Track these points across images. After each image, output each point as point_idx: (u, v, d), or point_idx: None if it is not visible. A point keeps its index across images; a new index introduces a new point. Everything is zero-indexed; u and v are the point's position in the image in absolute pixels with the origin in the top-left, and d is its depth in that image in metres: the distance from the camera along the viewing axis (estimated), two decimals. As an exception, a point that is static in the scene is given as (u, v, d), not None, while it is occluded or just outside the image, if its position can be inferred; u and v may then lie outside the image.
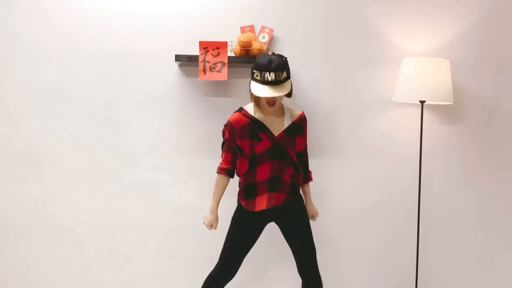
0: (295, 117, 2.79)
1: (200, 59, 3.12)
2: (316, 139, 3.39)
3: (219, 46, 3.12)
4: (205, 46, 3.12)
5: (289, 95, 2.78)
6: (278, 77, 2.61)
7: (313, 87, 3.39)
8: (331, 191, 3.42)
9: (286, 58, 2.70)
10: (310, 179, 2.93)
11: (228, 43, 3.23)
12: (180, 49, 3.29)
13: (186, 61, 3.19)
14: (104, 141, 3.34)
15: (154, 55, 3.32)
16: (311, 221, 2.91)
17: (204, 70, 3.12)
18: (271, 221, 2.85)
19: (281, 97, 2.70)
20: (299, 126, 2.79)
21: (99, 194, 3.35)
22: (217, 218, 2.82)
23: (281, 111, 2.79)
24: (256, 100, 2.74)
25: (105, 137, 3.34)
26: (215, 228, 2.83)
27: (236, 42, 3.24)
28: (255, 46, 3.19)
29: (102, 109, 3.33)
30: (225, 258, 2.78)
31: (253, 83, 2.66)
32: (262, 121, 2.72)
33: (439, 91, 3.14)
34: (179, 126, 3.36)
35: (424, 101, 3.22)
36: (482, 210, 3.48)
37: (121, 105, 3.34)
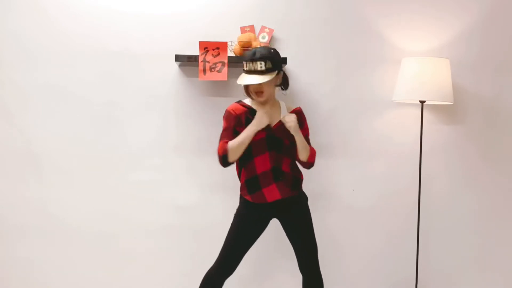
0: (291, 110, 2.83)
1: (200, 59, 3.12)
2: (316, 139, 3.38)
3: (219, 46, 3.12)
4: (205, 46, 3.12)
5: (284, 87, 2.82)
6: (261, 66, 2.64)
7: (313, 87, 3.39)
8: (331, 191, 3.42)
9: (274, 50, 2.72)
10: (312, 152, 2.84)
11: (228, 43, 3.23)
12: (180, 49, 3.29)
13: (186, 61, 3.19)
14: (104, 141, 3.34)
15: (154, 55, 3.32)
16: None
17: (204, 70, 3.12)
18: (275, 216, 2.85)
19: (269, 88, 2.70)
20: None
21: (100, 194, 3.35)
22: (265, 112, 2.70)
23: (277, 105, 2.82)
24: (247, 94, 2.76)
25: (105, 137, 3.34)
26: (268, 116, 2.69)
27: (236, 42, 3.24)
28: (255, 46, 3.19)
29: (102, 109, 3.33)
30: (226, 255, 2.79)
31: (240, 76, 2.71)
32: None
33: (439, 91, 3.14)
34: (179, 126, 3.36)
35: (424, 101, 3.22)
36: (482, 210, 3.48)
37: (121, 105, 3.34)
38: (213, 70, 3.11)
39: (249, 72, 2.66)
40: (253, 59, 2.65)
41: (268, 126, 2.72)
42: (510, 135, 3.47)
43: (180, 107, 3.35)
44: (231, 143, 2.66)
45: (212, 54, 3.11)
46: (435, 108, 3.44)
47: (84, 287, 3.38)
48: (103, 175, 3.35)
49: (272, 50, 2.70)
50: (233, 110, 2.75)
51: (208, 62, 3.12)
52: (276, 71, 2.69)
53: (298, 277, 2.91)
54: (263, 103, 2.76)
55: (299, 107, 2.87)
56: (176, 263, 3.40)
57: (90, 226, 3.36)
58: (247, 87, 2.74)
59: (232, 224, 2.81)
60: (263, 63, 2.64)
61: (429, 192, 3.44)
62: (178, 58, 3.19)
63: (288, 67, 3.35)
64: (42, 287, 3.37)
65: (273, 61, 2.67)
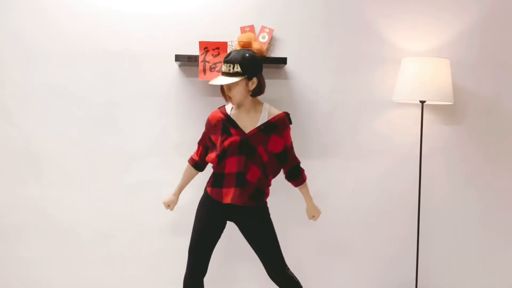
0: (272, 116, 2.78)
1: (200, 59, 3.12)
2: (316, 139, 3.39)
3: (219, 46, 3.12)
4: (205, 46, 3.12)
5: (256, 92, 2.74)
6: (229, 69, 2.67)
7: (313, 87, 3.39)
8: (331, 191, 3.42)
9: (250, 55, 2.68)
10: (303, 179, 2.90)
11: (228, 43, 3.23)
12: (180, 49, 3.29)
13: (186, 61, 3.19)
14: (104, 141, 3.34)
15: (154, 55, 3.32)
16: (310, 221, 2.91)
17: (204, 70, 3.12)
18: (230, 220, 2.85)
19: (237, 93, 2.69)
20: (275, 125, 2.76)
21: (100, 194, 3.35)
22: (175, 200, 2.98)
23: (258, 110, 2.79)
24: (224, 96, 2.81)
25: (105, 136, 3.34)
26: (172, 209, 3.00)
27: (236, 42, 3.24)
28: (255, 46, 3.19)
29: (102, 109, 3.33)
30: (192, 253, 2.82)
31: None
32: (235, 118, 2.76)
33: (439, 91, 3.14)
34: (179, 126, 3.36)
35: (424, 101, 3.22)
36: (482, 210, 3.48)
37: (121, 105, 3.34)
38: (213, 70, 3.11)
39: (222, 73, 2.71)
40: (225, 61, 2.69)
41: (243, 133, 2.73)
42: (510, 135, 3.47)
43: (180, 107, 3.35)
44: (184, 171, 2.97)
45: (212, 54, 3.11)
46: (435, 108, 3.44)
47: (83, 287, 3.38)
48: (103, 175, 3.35)
49: (246, 55, 2.67)
50: (212, 118, 2.81)
51: (208, 62, 3.12)
52: (245, 76, 2.66)
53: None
54: (238, 107, 2.77)
55: (284, 113, 2.81)
56: (176, 263, 3.39)
57: (90, 226, 3.36)
58: (223, 90, 2.78)
59: (194, 223, 2.85)
60: (231, 65, 2.66)
61: (429, 192, 3.44)
62: (178, 58, 3.19)
63: (288, 67, 3.35)
64: (41, 287, 3.37)
65: (243, 65, 2.65)
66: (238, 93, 2.70)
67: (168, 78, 3.34)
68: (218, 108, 2.85)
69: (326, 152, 3.39)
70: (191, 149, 3.34)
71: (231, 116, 2.77)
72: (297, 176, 2.88)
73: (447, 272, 3.49)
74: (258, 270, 3.29)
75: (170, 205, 2.97)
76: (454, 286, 3.49)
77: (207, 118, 2.85)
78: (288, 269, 2.82)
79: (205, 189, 2.86)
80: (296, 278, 2.83)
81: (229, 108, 2.81)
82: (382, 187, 3.44)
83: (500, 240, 3.50)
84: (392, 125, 3.43)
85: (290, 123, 2.83)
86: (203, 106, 3.34)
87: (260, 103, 2.81)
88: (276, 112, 2.80)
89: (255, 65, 2.69)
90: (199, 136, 2.94)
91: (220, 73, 2.76)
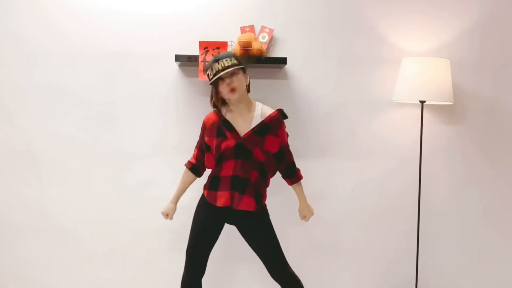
0: (266, 116, 2.78)
1: (200, 59, 3.12)
2: (316, 139, 3.39)
3: (219, 46, 3.12)
4: (205, 46, 3.12)
5: (248, 88, 2.80)
6: (226, 63, 2.69)
7: (313, 87, 3.39)
8: (331, 191, 3.42)
9: (231, 53, 2.79)
10: (299, 177, 2.90)
11: (228, 43, 3.23)
12: (180, 49, 3.29)
13: (186, 61, 3.20)
14: (104, 141, 3.34)
15: (154, 55, 3.32)
16: (303, 222, 2.91)
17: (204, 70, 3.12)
18: (228, 222, 2.84)
19: (240, 84, 2.70)
20: (268, 125, 2.76)
21: (100, 195, 3.35)
22: (173, 208, 2.93)
23: (251, 111, 2.79)
24: (219, 101, 2.77)
25: (105, 136, 3.34)
26: (171, 218, 2.94)
27: (236, 42, 3.24)
28: (255, 46, 3.19)
29: (102, 109, 3.33)
30: (190, 254, 2.82)
31: (209, 83, 2.75)
32: (230, 121, 2.76)
33: (439, 91, 3.14)
34: (179, 126, 3.36)
35: (424, 101, 3.22)
36: (482, 210, 3.48)
37: (121, 105, 3.34)
38: (213, 70, 3.11)
39: (216, 73, 2.69)
40: (217, 60, 2.70)
41: (238, 136, 2.73)
42: (510, 135, 3.47)
43: (180, 107, 3.35)
44: (181, 177, 2.93)
45: (212, 54, 3.11)
46: (435, 108, 3.44)
47: (82, 287, 3.38)
48: (103, 175, 3.35)
49: (232, 53, 2.78)
50: (207, 121, 2.81)
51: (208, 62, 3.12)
52: (243, 67, 2.73)
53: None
54: (237, 102, 2.74)
55: (277, 110, 2.80)
56: (176, 263, 3.39)
57: (89, 226, 3.36)
58: (216, 95, 2.75)
59: (191, 224, 2.85)
60: (227, 60, 2.69)
61: (429, 192, 3.44)
62: (178, 58, 3.19)
63: (288, 67, 3.35)
64: (41, 287, 3.37)
65: (236, 58, 2.73)
66: (240, 84, 2.71)
67: (168, 78, 3.34)
68: (213, 110, 2.83)
69: (326, 152, 3.39)
70: (191, 149, 3.33)
71: (227, 119, 2.76)
72: (293, 174, 2.88)
73: (447, 272, 3.49)
74: (258, 270, 3.30)
75: (168, 214, 2.93)
76: (454, 286, 3.49)
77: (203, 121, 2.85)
78: (290, 267, 2.82)
79: (203, 191, 2.86)
80: (297, 277, 2.82)
81: (223, 110, 2.80)
82: (382, 187, 3.44)
83: (500, 240, 3.50)
84: (392, 125, 3.43)
85: (285, 118, 2.82)
86: (203, 106, 3.34)
87: (252, 103, 2.81)
88: (269, 111, 2.80)
89: (241, 61, 2.78)
90: (199, 136, 2.94)
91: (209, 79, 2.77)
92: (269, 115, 2.77)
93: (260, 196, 2.78)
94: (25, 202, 3.34)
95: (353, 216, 3.44)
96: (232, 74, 2.68)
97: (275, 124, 2.77)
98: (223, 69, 2.68)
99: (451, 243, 3.48)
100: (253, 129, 2.74)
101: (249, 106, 2.79)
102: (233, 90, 2.69)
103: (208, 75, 2.74)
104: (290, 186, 2.92)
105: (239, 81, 2.71)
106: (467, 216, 3.48)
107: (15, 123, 3.32)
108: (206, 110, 3.32)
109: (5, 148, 3.32)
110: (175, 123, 3.36)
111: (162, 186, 3.34)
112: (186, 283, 2.84)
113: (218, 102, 2.77)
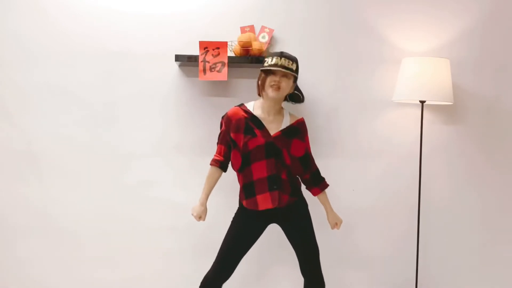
0: (294, 120, 2.83)
1: (200, 59, 3.12)
2: (316, 139, 3.38)
3: (219, 46, 3.12)
4: (205, 46, 3.12)
5: (297, 99, 2.88)
6: (289, 64, 2.70)
7: (313, 87, 3.39)
8: (331, 191, 3.40)
9: (297, 61, 2.81)
10: (326, 185, 2.93)
11: (228, 43, 3.23)
12: (180, 49, 3.29)
13: (186, 61, 3.19)
14: (104, 141, 3.34)
15: (154, 55, 3.32)
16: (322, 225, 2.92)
17: (204, 70, 3.12)
18: (273, 222, 2.85)
19: (287, 86, 2.73)
20: (297, 128, 2.81)
21: (100, 195, 3.35)
22: (205, 210, 2.86)
23: (281, 113, 2.82)
24: (261, 88, 2.75)
25: (105, 137, 3.34)
26: (203, 219, 2.87)
27: (236, 42, 3.24)
28: (255, 46, 3.19)
29: (102, 109, 3.33)
30: (223, 258, 2.79)
31: (262, 69, 2.75)
32: (260, 118, 2.75)
33: (439, 91, 3.14)
34: (179, 126, 3.36)
35: (424, 101, 3.22)
36: (482, 210, 3.48)
37: (121, 105, 3.34)
38: (213, 70, 3.11)
39: (276, 66, 2.69)
40: (282, 56, 2.71)
41: (268, 134, 2.73)
42: (510, 135, 3.46)
43: (180, 107, 3.35)
44: (207, 175, 2.84)
45: (212, 54, 3.11)
46: (435, 108, 3.44)
47: (82, 287, 3.38)
48: (103, 175, 3.35)
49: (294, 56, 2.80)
50: (232, 115, 2.77)
51: (208, 62, 3.12)
52: (297, 77, 2.78)
53: (300, 279, 2.91)
54: (269, 102, 2.75)
55: (302, 118, 2.88)
56: (176, 263, 3.40)
57: (89, 226, 3.36)
58: (264, 81, 2.72)
59: (229, 227, 2.83)
60: (290, 62, 2.71)
61: (429, 192, 3.44)
62: (178, 58, 3.19)
63: (288, 67, 3.35)
64: (40, 287, 3.37)
65: (297, 66, 2.77)
66: (287, 87, 2.74)
67: (168, 78, 3.34)
68: (238, 106, 2.81)
69: (326, 152, 3.39)
70: (191, 149, 3.35)
71: (257, 116, 2.76)
72: (320, 181, 2.91)
73: (447, 272, 3.49)
74: (269, 272, 3.30)
75: (201, 216, 2.85)
76: (454, 286, 3.49)
77: (224, 114, 2.82)
78: (321, 268, 2.86)
79: (240, 203, 2.84)
80: (324, 281, 2.87)
81: (250, 107, 2.80)
82: (382, 187, 3.44)
83: (500, 240, 3.50)
84: (392, 125, 3.43)
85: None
86: (203, 106, 3.34)
87: (281, 107, 2.84)
88: (296, 116, 2.86)
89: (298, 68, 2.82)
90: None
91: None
92: (297, 120, 2.83)
93: (296, 189, 2.82)
94: (25, 202, 3.34)
95: (353, 215, 3.44)
96: (285, 74, 2.71)
97: (302, 128, 2.83)
98: (282, 67, 2.69)
99: (451, 243, 3.48)
100: (282, 130, 2.75)
101: (280, 110, 2.82)
102: (278, 88, 2.71)
103: (265, 61, 2.74)
104: (315, 196, 2.95)
105: (287, 85, 2.74)
106: (467, 216, 3.48)
107: (15, 123, 3.32)
108: (206, 110, 3.34)
109: (5, 148, 3.32)
110: (175, 123, 3.36)
111: (162, 186, 3.34)
112: (209, 285, 2.78)
113: (261, 88, 2.76)
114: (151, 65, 3.32)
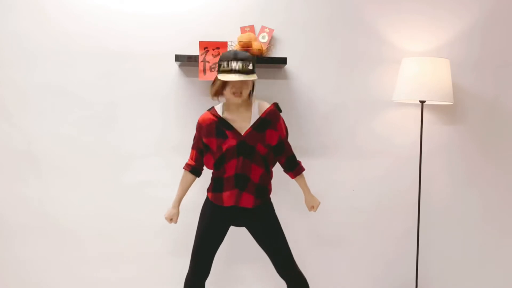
0: (263, 110, 2.77)
1: (200, 59, 3.11)
2: (316, 139, 3.39)
3: (219, 46, 3.12)
4: (205, 46, 3.12)
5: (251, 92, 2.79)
6: (245, 66, 2.63)
7: (313, 87, 3.39)
8: (331, 191, 3.42)
9: (253, 56, 2.76)
10: (301, 169, 2.89)
11: (228, 43, 3.23)
12: (180, 49, 3.29)
13: (186, 61, 3.19)
14: (104, 141, 3.34)
15: (154, 55, 3.31)
16: (311, 213, 2.90)
17: (204, 70, 3.12)
18: (239, 222, 2.83)
19: (247, 90, 2.71)
20: (267, 120, 2.76)
21: (99, 194, 3.35)
22: (177, 213, 2.92)
23: (249, 108, 2.78)
24: (220, 93, 2.72)
25: (105, 136, 3.34)
26: (175, 222, 2.94)
27: (236, 42, 3.24)
28: (255, 46, 3.19)
29: (102, 109, 3.33)
30: (196, 256, 2.81)
31: (219, 75, 2.66)
32: (228, 120, 2.75)
33: (439, 91, 3.14)
34: (179, 126, 3.36)
35: (424, 101, 3.22)
36: (482, 210, 3.48)
37: (121, 105, 3.34)
38: (213, 70, 3.11)
39: (230, 71, 2.62)
40: (236, 59, 2.63)
41: (239, 134, 2.72)
42: (510, 135, 3.47)
43: (180, 107, 3.35)
44: (181, 180, 2.91)
45: (212, 54, 3.11)
46: (435, 108, 3.44)
47: (82, 287, 3.38)
48: (103, 175, 3.35)
49: (251, 55, 2.71)
50: (203, 121, 2.79)
51: (208, 62, 3.12)
52: (255, 74, 2.70)
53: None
54: (237, 105, 2.74)
55: (273, 105, 2.80)
56: (175, 263, 3.39)
57: (89, 226, 3.36)
58: (222, 88, 2.69)
59: (198, 225, 2.85)
60: (246, 63, 2.64)
61: (429, 192, 3.44)
62: (178, 58, 3.19)
63: (288, 67, 3.35)
64: (40, 287, 3.37)
65: (254, 64, 2.69)
66: (247, 90, 2.71)
67: (168, 78, 3.34)
68: (208, 110, 2.82)
69: (326, 152, 3.39)
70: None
71: (223, 117, 2.76)
72: (294, 166, 2.88)
73: (447, 272, 3.49)
74: (260, 271, 3.30)
75: (172, 218, 2.92)
76: (454, 286, 3.49)
77: (198, 121, 2.83)
78: (297, 266, 2.83)
79: (207, 194, 2.86)
80: (304, 276, 2.83)
81: (219, 109, 2.79)
82: (382, 187, 3.44)
83: (500, 240, 3.50)
84: (392, 125, 3.43)
85: (280, 111, 2.81)
86: (203, 106, 3.33)
87: (249, 101, 2.80)
88: (265, 106, 2.80)
89: (255, 65, 2.75)
90: (193, 137, 2.93)
91: (216, 73, 2.72)
92: (266, 110, 2.77)
93: (264, 191, 2.78)
94: (25, 202, 3.34)
95: (353, 216, 3.44)
96: (244, 81, 2.67)
97: (273, 118, 2.77)
98: (242, 72, 2.62)
99: (451, 242, 3.48)
100: (252, 125, 2.74)
101: (247, 104, 2.79)
102: (239, 94, 2.69)
103: (220, 65, 2.67)
104: (293, 180, 2.92)
105: (249, 87, 2.72)
106: (467, 216, 3.48)
107: (15, 123, 3.32)
108: (206, 110, 3.33)
109: (5, 148, 3.32)
110: (175, 123, 3.36)
111: (162, 186, 3.34)
112: (190, 284, 2.83)
113: (218, 94, 2.73)
114: (151, 65, 3.32)
